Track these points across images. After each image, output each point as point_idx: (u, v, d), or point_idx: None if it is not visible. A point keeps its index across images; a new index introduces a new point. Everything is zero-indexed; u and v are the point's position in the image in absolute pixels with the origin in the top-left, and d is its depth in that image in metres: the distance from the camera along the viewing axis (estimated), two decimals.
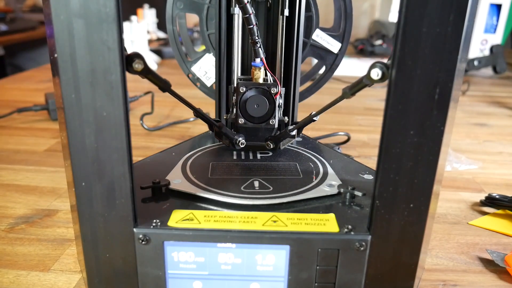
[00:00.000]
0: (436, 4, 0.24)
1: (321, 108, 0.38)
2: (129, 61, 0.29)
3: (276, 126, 0.43)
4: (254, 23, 0.40)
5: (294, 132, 0.42)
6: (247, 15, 0.39)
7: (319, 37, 0.53)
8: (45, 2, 0.25)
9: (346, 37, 0.53)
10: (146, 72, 0.30)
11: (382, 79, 0.29)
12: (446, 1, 0.24)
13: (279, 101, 0.43)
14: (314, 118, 0.40)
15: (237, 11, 0.45)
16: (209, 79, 0.54)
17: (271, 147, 0.43)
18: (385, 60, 0.29)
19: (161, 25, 1.81)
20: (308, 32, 0.52)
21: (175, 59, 0.55)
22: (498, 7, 1.47)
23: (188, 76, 0.55)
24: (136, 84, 1.13)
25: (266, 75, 0.43)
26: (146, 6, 1.70)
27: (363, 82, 0.31)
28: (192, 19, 1.49)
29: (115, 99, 0.26)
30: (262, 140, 0.43)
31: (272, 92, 0.41)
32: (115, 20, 0.25)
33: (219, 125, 0.42)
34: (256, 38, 0.41)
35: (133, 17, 1.31)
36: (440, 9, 0.24)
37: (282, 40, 0.46)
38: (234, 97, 0.43)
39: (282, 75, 0.47)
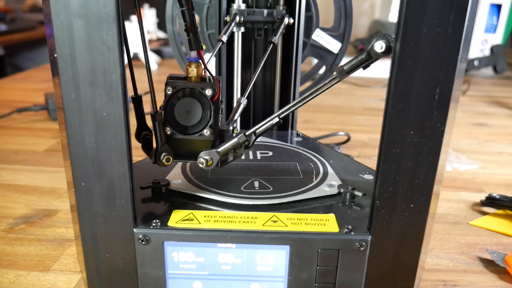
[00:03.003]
0: (436, 4, 0.24)
1: (287, 106, 0.32)
2: None
3: (213, 138, 0.33)
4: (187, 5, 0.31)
5: (244, 141, 0.33)
6: None
7: (319, 37, 0.53)
8: (45, 2, 0.25)
9: (346, 37, 0.53)
10: None
11: (386, 53, 0.27)
12: (446, 1, 0.24)
13: (220, 106, 0.34)
14: (277, 120, 0.33)
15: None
16: None
17: (205, 165, 0.32)
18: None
19: (161, 25, 1.81)
20: (308, 32, 0.52)
21: (175, 59, 0.55)
22: (498, 7, 1.47)
23: None
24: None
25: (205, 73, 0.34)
26: (146, 6, 1.70)
27: (360, 60, 0.29)
28: None
29: (115, 99, 0.26)
30: (196, 155, 0.33)
31: (207, 94, 0.32)
32: (115, 20, 0.25)
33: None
34: (191, 23, 0.31)
35: (133, 17, 1.31)
36: (440, 9, 0.24)
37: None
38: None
39: (252, 89, 0.41)
